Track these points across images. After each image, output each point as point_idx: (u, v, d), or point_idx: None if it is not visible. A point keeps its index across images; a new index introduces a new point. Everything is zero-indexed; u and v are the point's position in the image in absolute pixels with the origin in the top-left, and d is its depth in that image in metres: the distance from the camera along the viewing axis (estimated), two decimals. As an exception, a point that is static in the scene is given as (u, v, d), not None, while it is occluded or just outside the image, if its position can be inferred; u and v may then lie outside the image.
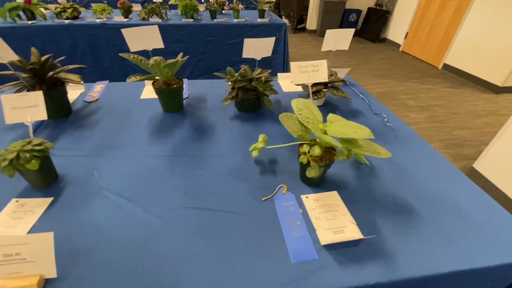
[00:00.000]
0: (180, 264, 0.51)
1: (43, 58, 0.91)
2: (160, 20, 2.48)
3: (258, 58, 1.07)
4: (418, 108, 2.80)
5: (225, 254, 0.53)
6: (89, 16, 2.52)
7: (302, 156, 0.64)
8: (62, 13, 2.40)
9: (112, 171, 0.74)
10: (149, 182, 0.70)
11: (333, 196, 0.67)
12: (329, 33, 1.09)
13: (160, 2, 2.61)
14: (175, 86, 0.98)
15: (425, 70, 3.88)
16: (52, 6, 2.46)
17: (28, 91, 0.88)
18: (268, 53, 1.08)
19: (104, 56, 2.50)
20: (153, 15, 2.51)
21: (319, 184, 0.71)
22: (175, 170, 0.75)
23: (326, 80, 0.99)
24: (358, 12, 5.12)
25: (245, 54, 1.07)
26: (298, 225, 0.60)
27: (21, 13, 2.39)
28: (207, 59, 2.63)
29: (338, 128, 0.59)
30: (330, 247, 0.55)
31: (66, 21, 2.35)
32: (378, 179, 0.73)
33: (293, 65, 0.97)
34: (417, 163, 0.80)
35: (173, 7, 2.78)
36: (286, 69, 2.70)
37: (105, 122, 0.97)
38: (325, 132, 0.60)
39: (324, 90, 1.03)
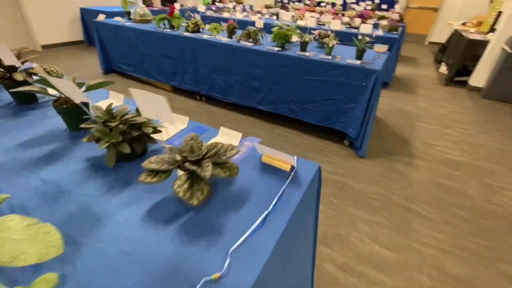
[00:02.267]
0: None
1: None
2: (252, 44, 2.54)
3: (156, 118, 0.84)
4: None
5: None
6: (204, 32, 2.96)
7: None
8: (187, 27, 2.93)
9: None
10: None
11: None
12: None
13: (260, 28, 2.68)
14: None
15: None
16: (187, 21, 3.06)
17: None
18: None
19: (200, 66, 2.86)
20: (249, 39, 2.61)
21: None
22: None
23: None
24: None
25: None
26: None
27: (166, 23, 3.13)
28: (279, 90, 2.46)
29: None
30: None
31: (185, 33, 2.85)
32: None
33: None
34: None
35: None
36: (365, 123, 2.10)
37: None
38: None
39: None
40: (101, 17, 3.49)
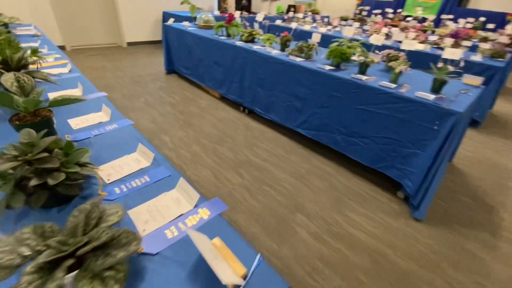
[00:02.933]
0: None
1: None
2: (303, 60, 2.24)
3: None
4: None
5: None
6: (258, 43, 2.79)
7: None
8: (242, 36, 2.81)
9: None
10: None
11: None
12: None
13: (316, 42, 2.35)
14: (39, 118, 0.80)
15: None
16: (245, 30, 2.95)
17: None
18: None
19: (246, 78, 2.70)
20: (301, 54, 2.32)
21: None
22: None
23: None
24: None
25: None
26: None
27: (224, 30, 3.07)
28: (324, 116, 2.09)
29: None
30: None
31: (237, 42, 2.72)
32: None
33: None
34: None
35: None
36: (430, 177, 1.57)
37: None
38: None
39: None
40: (170, 21, 3.68)
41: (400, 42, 3.51)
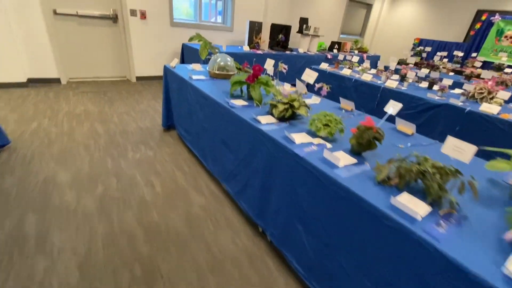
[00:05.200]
0: None
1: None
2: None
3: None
4: None
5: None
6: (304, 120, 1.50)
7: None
8: (274, 108, 1.55)
9: None
10: None
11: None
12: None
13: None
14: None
15: None
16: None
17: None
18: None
19: (274, 188, 1.38)
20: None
21: None
22: None
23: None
24: None
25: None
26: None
27: (245, 88, 1.85)
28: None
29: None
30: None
31: (262, 121, 1.46)
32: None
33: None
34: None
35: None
36: None
37: None
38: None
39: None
40: (173, 62, 2.58)
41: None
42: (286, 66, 2.01)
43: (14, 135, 2.43)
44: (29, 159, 2.12)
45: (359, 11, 7.82)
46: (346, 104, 1.90)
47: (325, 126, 1.26)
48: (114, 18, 4.18)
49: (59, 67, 3.97)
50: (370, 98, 3.13)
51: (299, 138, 1.25)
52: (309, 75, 1.59)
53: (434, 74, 3.06)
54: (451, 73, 4.86)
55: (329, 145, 1.24)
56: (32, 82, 3.86)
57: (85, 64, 4.28)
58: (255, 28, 4.80)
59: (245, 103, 1.73)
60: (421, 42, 7.41)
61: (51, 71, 3.94)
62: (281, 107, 1.44)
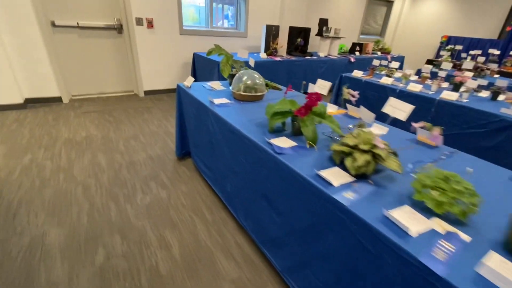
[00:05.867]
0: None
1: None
2: None
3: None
4: None
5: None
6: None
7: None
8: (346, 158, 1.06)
9: None
10: None
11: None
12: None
13: None
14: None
15: None
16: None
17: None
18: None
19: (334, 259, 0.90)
20: None
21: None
22: None
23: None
24: None
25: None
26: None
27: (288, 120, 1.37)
28: None
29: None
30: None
31: (326, 182, 0.98)
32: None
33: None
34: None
35: None
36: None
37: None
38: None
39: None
40: (188, 81, 2.13)
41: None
42: (356, 93, 1.49)
43: (1, 174, 2.03)
44: (15, 211, 1.69)
45: (379, 9, 7.26)
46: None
47: (452, 198, 0.77)
48: (118, 28, 3.79)
49: (60, 84, 3.59)
50: (421, 113, 2.60)
51: (411, 222, 0.76)
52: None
53: (501, 83, 2.51)
54: (496, 75, 4.27)
55: (464, 236, 0.74)
56: (31, 102, 3.49)
57: (88, 79, 3.90)
58: (272, 33, 4.33)
59: (291, 143, 1.25)
60: (450, 39, 6.78)
61: (51, 90, 3.56)
62: (360, 158, 0.95)
